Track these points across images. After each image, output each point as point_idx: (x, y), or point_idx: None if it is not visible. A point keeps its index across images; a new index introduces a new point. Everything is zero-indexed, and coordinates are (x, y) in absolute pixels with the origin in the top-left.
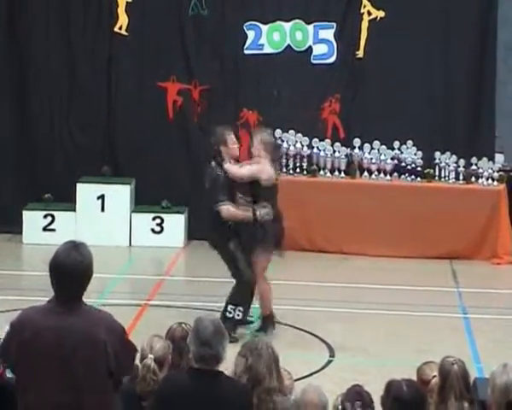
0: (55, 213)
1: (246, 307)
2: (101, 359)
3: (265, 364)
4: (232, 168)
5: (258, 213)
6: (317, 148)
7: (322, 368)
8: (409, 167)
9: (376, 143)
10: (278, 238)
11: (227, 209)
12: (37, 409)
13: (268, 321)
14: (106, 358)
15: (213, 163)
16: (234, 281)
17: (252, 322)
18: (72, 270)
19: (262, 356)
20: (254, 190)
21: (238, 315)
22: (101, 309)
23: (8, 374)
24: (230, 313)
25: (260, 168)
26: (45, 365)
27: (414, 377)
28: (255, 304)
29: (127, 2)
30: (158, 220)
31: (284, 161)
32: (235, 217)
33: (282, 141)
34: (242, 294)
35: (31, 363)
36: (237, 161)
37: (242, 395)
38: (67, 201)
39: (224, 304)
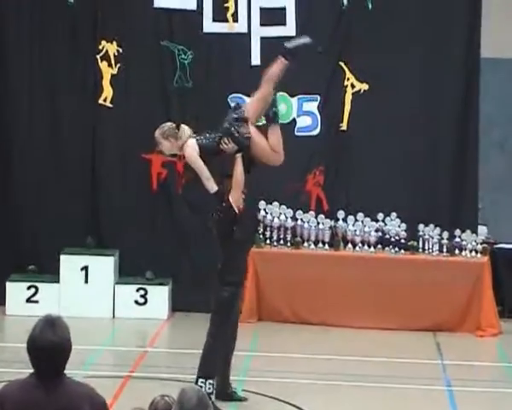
0: (38, 284)
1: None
2: None
3: None
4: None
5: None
6: (301, 220)
7: None
8: (393, 239)
9: (360, 215)
10: None
11: None
12: None
13: None
14: None
15: None
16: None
17: (245, 398)
18: (48, 348)
19: None
20: None
21: (209, 388)
22: (83, 382)
23: None
24: (201, 386)
25: (190, 151)
26: None
27: None
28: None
29: (112, 75)
30: (142, 292)
31: (268, 232)
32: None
33: (266, 213)
34: (211, 361)
35: None
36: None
37: None
38: (51, 272)
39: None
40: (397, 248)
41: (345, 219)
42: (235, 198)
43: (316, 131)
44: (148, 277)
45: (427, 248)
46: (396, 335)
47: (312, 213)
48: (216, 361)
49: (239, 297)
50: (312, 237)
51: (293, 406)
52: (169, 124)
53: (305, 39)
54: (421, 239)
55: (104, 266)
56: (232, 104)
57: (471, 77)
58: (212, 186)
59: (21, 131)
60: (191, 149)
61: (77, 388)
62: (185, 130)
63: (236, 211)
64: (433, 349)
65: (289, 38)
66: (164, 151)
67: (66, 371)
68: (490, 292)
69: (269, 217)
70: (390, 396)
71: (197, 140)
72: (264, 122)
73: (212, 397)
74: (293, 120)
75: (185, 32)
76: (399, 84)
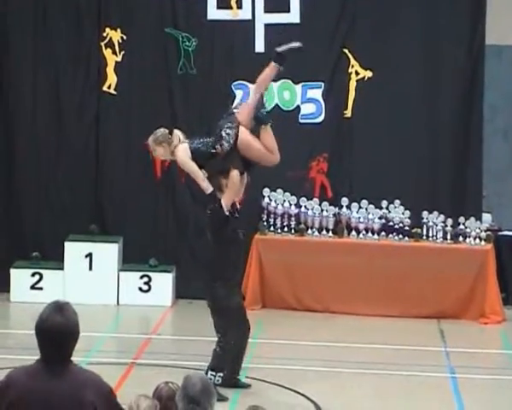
0: (42, 271)
1: (231, 369)
2: None
3: None
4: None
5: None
6: (305, 207)
7: None
8: (396, 227)
9: (364, 203)
10: None
11: None
12: None
13: None
14: None
15: None
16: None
17: (249, 385)
18: (56, 333)
19: None
20: None
21: (218, 381)
22: (88, 369)
23: None
24: (210, 379)
25: (182, 155)
26: None
27: None
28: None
29: (116, 62)
30: (145, 279)
31: (272, 220)
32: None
33: (270, 200)
34: (222, 356)
35: None
36: None
37: None
38: (55, 259)
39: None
40: (401, 236)
41: (349, 207)
42: (226, 201)
43: (320, 119)
44: (151, 264)
45: (431, 235)
46: (400, 322)
47: (316, 200)
48: (227, 357)
49: (236, 293)
50: (316, 225)
51: (297, 392)
52: (162, 130)
53: (296, 44)
54: (425, 226)
55: (108, 253)
56: (230, 106)
57: (475, 64)
58: (207, 187)
59: (25, 119)
60: (182, 152)
61: (83, 375)
62: (177, 135)
63: (226, 213)
64: (437, 336)
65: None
66: (158, 157)
67: (72, 358)
68: (494, 279)
69: (273, 204)
70: (393, 383)
71: (189, 144)
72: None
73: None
74: (297, 107)
75: (189, 19)
76: (403, 71)
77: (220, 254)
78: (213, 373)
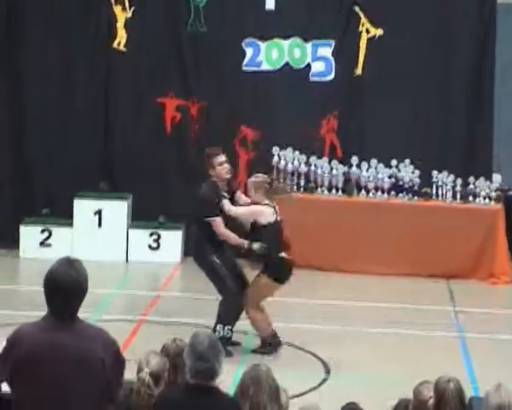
0: (52, 228)
1: (234, 325)
2: (97, 375)
3: (266, 394)
4: (230, 207)
5: (253, 245)
6: (315, 165)
7: (318, 386)
8: (406, 186)
9: (374, 162)
10: (284, 270)
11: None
12: None
13: (268, 342)
14: (102, 374)
15: (204, 184)
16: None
17: (239, 344)
18: (66, 286)
19: (262, 386)
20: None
21: (228, 333)
22: (95, 325)
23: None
24: (219, 332)
25: (259, 212)
26: (40, 382)
27: (410, 397)
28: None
29: (126, 19)
30: (155, 236)
31: (282, 178)
32: (228, 237)
33: (280, 158)
34: (230, 311)
35: (26, 380)
36: (228, 183)
37: None
38: (65, 216)
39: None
40: (410, 195)
41: (358, 165)
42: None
43: (330, 77)
44: (161, 221)
45: (440, 194)
46: (409, 281)
47: (326, 158)
48: (233, 310)
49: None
50: (326, 183)
51: (305, 351)
52: (261, 176)
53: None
54: (434, 186)
55: (117, 210)
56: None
57: (488, 23)
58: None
59: (35, 76)
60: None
61: (90, 330)
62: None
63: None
64: (446, 296)
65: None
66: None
67: (79, 315)
68: (503, 239)
69: (282, 162)
70: (402, 342)
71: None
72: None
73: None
74: (308, 65)
75: None
76: (414, 30)
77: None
78: (221, 326)
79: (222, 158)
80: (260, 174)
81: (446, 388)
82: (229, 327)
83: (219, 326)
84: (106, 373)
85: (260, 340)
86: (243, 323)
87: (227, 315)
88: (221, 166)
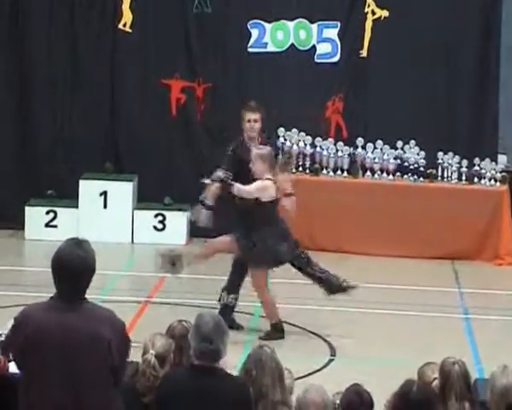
0: (57, 209)
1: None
2: (104, 356)
3: (270, 376)
4: (239, 187)
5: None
6: (320, 147)
7: (323, 367)
8: (411, 167)
9: (379, 143)
10: (282, 255)
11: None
12: (38, 406)
13: (276, 329)
14: (109, 355)
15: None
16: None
17: (242, 327)
18: (74, 266)
19: (266, 369)
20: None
21: (231, 302)
22: (103, 306)
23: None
24: (223, 298)
25: (264, 187)
26: (48, 362)
27: (415, 378)
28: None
29: (131, 0)
30: (160, 217)
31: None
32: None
33: (285, 139)
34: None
35: (33, 360)
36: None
37: (242, 392)
38: (70, 197)
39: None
40: (415, 176)
41: (364, 147)
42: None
43: (335, 58)
44: (166, 202)
45: (446, 176)
46: (414, 263)
47: (331, 140)
48: (236, 282)
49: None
50: (331, 165)
51: (311, 332)
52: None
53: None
54: (440, 167)
55: (123, 191)
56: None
57: (493, 6)
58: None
59: (40, 57)
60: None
61: (98, 311)
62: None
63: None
64: (451, 277)
65: None
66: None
67: (86, 296)
68: (508, 220)
69: (288, 144)
70: (407, 324)
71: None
72: None
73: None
74: (313, 46)
75: None
76: (420, 11)
77: None
78: (225, 293)
79: (251, 115)
80: (262, 146)
81: (452, 370)
82: (233, 296)
83: (223, 294)
84: (112, 354)
85: (270, 327)
86: (248, 304)
87: (233, 285)
88: (248, 122)
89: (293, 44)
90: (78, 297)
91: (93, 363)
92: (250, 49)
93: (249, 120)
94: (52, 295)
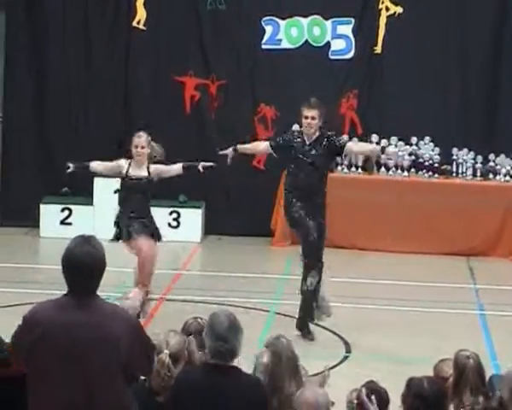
0: (72, 206)
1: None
2: (114, 354)
3: (286, 368)
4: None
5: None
6: None
7: (339, 364)
8: (426, 163)
9: (394, 139)
10: None
11: None
12: (47, 404)
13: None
14: (119, 353)
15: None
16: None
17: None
18: (85, 263)
19: (282, 360)
20: None
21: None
22: (115, 303)
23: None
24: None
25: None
26: (57, 360)
27: (431, 374)
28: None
29: None
30: (175, 215)
31: None
32: None
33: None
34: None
35: (43, 358)
36: None
37: (257, 390)
38: (85, 195)
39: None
40: (430, 173)
41: (378, 143)
42: None
43: (350, 55)
44: (181, 200)
45: (460, 172)
46: (429, 259)
47: (346, 136)
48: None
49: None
50: (346, 161)
51: (326, 329)
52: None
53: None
54: (454, 163)
55: None
56: None
57: (507, 2)
58: None
59: (55, 55)
60: None
61: (110, 308)
62: None
63: None
64: (467, 274)
65: None
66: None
67: (100, 293)
68: None
69: None
70: (422, 319)
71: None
72: None
73: None
74: (327, 43)
75: None
76: (434, 7)
77: None
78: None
79: (308, 112)
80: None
81: (466, 364)
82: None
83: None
84: (122, 352)
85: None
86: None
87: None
88: (306, 119)
89: (307, 41)
90: (89, 294)
91: (103, 361)
92: (264, 46)
93: (306, 117)
94: (65, 292)
